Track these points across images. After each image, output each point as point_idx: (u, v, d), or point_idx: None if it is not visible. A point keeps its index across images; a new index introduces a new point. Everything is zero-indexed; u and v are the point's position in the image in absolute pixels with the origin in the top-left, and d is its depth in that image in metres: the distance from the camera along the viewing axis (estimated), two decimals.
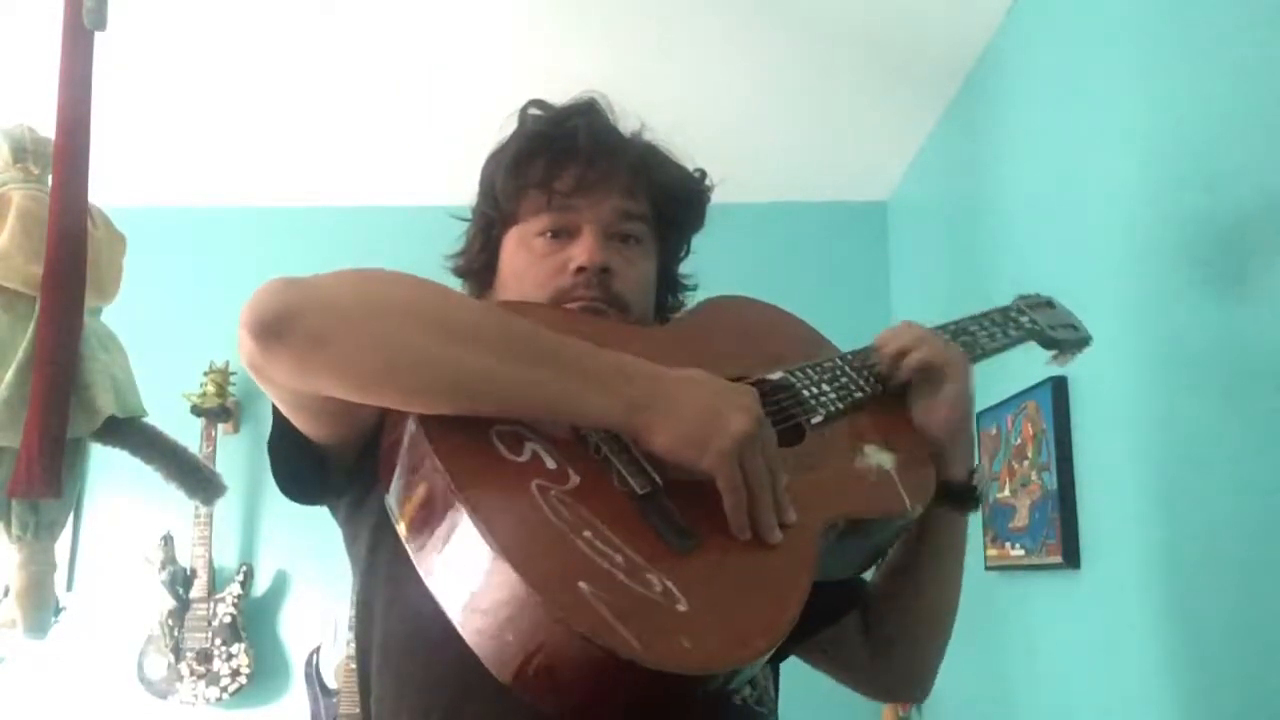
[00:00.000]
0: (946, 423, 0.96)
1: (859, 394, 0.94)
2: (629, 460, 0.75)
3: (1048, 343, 1.14)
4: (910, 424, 0.96)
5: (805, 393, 0.92)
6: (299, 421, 0.86)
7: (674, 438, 0.76)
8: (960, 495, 0.98)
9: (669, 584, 0.68)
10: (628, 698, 0.66)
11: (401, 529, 0.75)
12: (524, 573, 0.65)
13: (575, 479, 0.74)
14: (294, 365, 0.76)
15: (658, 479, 0.74)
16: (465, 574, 0.68)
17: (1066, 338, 1.15)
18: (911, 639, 1.05)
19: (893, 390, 0.97)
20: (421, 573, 0.72)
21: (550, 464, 0.74)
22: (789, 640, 0.97)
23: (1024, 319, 1.12)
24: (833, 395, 0.92)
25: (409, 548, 0.74)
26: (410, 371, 0.75)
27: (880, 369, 0.97)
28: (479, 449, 0.74)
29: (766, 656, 0.69)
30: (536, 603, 0.64)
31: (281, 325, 0.74)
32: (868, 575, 1.04)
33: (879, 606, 1.05)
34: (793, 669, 1.05)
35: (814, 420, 0.90)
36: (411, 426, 0.75)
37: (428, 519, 0.72)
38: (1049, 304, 1.17)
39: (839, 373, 0.95)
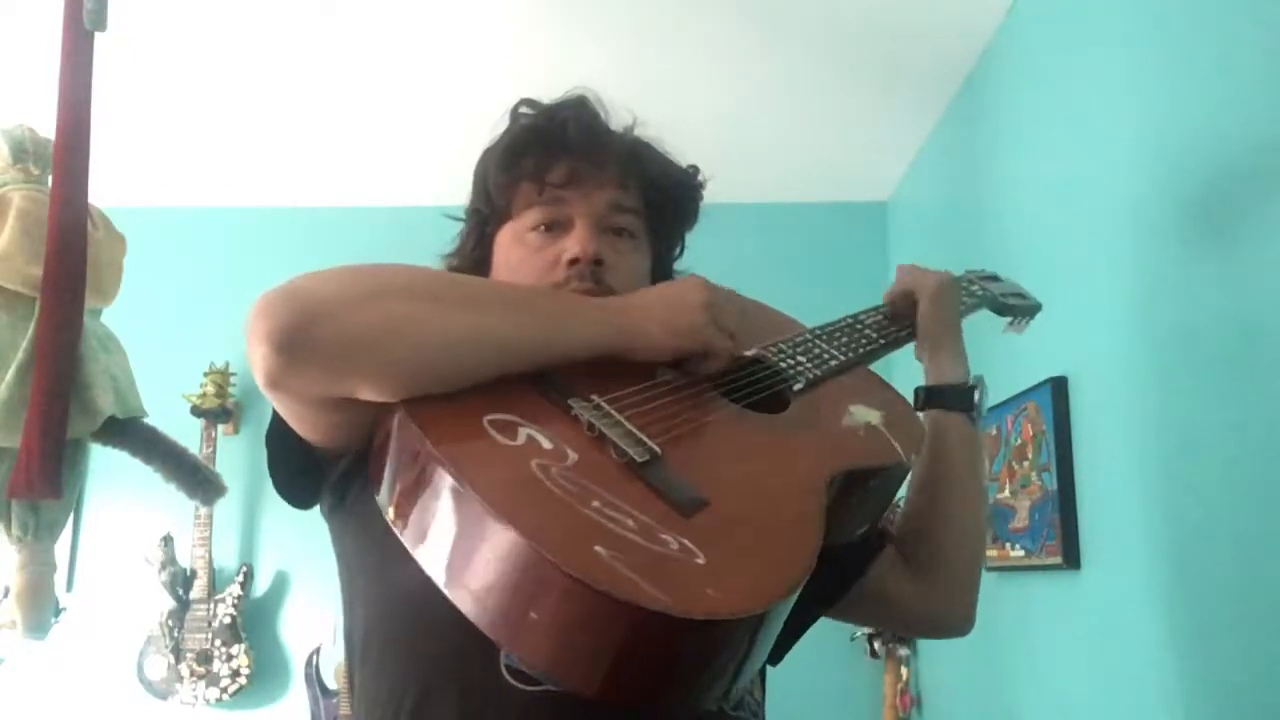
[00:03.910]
0: (928, 321, 1.10)
1: (833, 361, 1.00)
2: (624, 433, 0.76)
3: (1000, 309, 1.21)
4: (889, 386, 1.02)
5: (783, 364, 0.96)
6: (304, 430, 0.86)
7: (659, 332, 0.86)
8: (956, 395, 1.08)
9: (684, 541, 0.68)
10: (653, 659, 0.65)
11: (395, 520, 0.74)
12: (539, 542, 0.64)
13: (574, 456, 0.74)
14: (324, 371, 0.75)
15: (655, 447, 0.75)
16: (473, 555, 0.67)
17: (1018, 304, 1.23)
18: (948, 550, 1.08)
19: (891, 336, 1.09)
20: (422, 562, 0.71)
21: (547, 445, 0.74)
22: (822, 603, 1.00)
23: (974, 288, 1.20)
24: (809, 364, 0.98)
25: (405, 538, 0.73)
26: (439, 347, 0.76)
27: (884, 318, 1.11)
28: (474, 436, 0.74)
29: (792, 597, 0.69)
30: (552, 569, 0.63)
31: (303, 333, 0.73)
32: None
33: (912, 529, 1.09)
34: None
35: (796, 387, 0.94)
36: (401, 419, 0.75)
37: (427, 506, 0.71)
38: (995, 277, 1.24)
39: (811, 344, 1.01)
